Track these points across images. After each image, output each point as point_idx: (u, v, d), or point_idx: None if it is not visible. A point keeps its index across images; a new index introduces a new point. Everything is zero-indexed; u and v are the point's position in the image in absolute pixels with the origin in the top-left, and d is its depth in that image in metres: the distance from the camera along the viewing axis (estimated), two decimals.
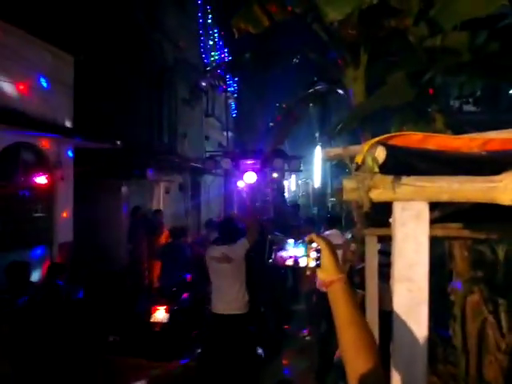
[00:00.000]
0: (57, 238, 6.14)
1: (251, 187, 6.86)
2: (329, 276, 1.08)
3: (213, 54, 14.00)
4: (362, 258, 3.79)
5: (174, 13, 10.50)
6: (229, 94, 15.79)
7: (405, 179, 1.24)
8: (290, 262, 1.14)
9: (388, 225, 2.83)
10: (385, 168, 1.25)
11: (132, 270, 7.43)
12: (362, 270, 3.26)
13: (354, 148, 1.41)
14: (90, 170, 6.81)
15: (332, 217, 5.17)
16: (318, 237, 1.13)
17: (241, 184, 7.96)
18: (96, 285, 5.83)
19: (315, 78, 6.69)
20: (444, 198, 1.25)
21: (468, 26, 3.31)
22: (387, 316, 1.36)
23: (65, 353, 4.22)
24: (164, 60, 9.72)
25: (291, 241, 1.16)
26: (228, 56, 15.23)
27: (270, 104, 14.77)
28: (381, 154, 1.16)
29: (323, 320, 4.51)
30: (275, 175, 9.78)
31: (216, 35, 14.40)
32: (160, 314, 4.67)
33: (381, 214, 2.33)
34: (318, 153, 13.96)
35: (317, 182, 14.49)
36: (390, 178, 1.24)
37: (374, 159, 1.16)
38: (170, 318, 4.64)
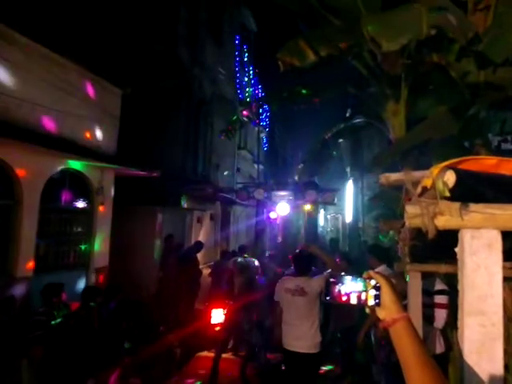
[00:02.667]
0: (94, 262, 6.28)
1: (284, 219, 6.81)
2: (390, 315, 1.02)
3: (247, 89, 14.51)
4: (403, 295, 3.60)
5: (213, 50, 11.07)
6: (261, 128, 16.16)
7: (473, 206, 1.19)
8: (353, 300, 1.04)
9: (432, 261, 2.70)
10: (451, 194, 1.21)
11: (158, 300, 7.40)
12: (404, 308, 3.09)
13: (417, 173, 1.38)
14: (127, 195, 7.03)
15: (380, 250, 4.83)
16: (376, 273, 1.08)
17: (273, 215, 7.94)
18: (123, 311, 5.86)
19: (348, 114, 6.74)
20: None
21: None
22: None
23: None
24: (202, 94, 10.16)
25: (348, 276, 1.09)
26: (261, 92, 15.72)
27: (302, 137, 14.96)
28: (451, 178, 1.13)
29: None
30: (308, 207, 9.68)
31: (251, 73, 14.98)
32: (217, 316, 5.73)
33: (427, 249, 2.23)
34: (350, 187, 13.82)
35: (348, 217, 14.23)
36: (457, 204, 1.20)
37: (445, 183, 1.12)
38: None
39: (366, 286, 1.06)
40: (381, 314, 1.04)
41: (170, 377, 5.31)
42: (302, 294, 3.98)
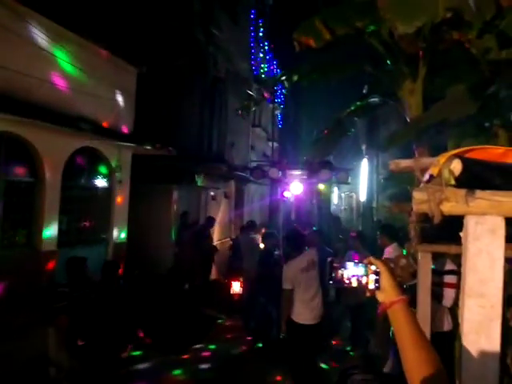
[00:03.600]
0: (113, 237, 6.50)
1: (298, 198, 6.88)
2: (388, 297, 1.08)
3: (262, 66, 14.29)
4: (413, 274, 3.65)
5: (228, 26, 10.89)
6: (276, 106, 15.99)
7: (479, 193, 1.23)
8: (354, 283, 1.13)
9: (443, 242, 2.74)
10: (458, 181, 1.25)
11: (174, 273, 7.66)
12: (413, 287, 3.15)
13: (425, 160, 1.42)
14: (144, 174, 7.18)
15: (392, 229, 4.88)
16: (376, 259, 1.14)
17: (287, 194, 7.99)
18: (143, 285, 6.13)
19: (365, 91, 6.61)
20: None
21: None
22: (438, 337, 1.32)
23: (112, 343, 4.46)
24: (217, 71, 10.08)
25: (350, 262, 1.16)
26: (277, 68, 15.46)
27: (317, 116, 14.76)
28: (457, 166, 1.16)
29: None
30: (322, 187, 9.69)
31: (266, 48, 14.70)
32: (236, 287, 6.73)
33: (438, 230, 2.27)
34: (365, 166, 13.69)
35: (362, 196, 14.16)
36: (463, 191, 1.24)
37: (451, 172, 1.16)
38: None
39: (366, 271, 1.13)
40: (380, 297, 1.11)
41: (192, 343, 5.57)
42: (314, 267, 4.22)
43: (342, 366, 4.80)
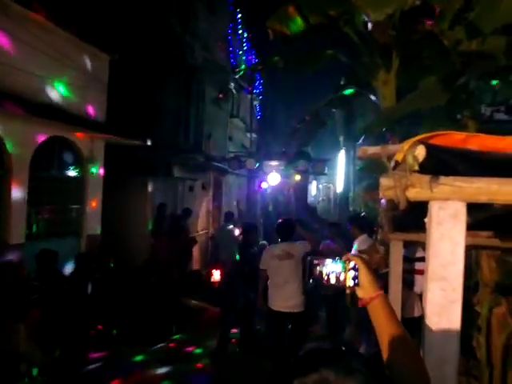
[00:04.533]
0: (86, 229, 6.35)
1: (275, 189, 6.90)
2: (367, 293, 1.10)
3: (240, 54, 14.15)
4: (386, 262, 3.74)
5: (205, 15, 10.69)
6: (254, 96, 15.90)
7: (443, 179, 1.25)
8: (333, 280, 1.13)
9: (414, 230, 2.81)
10: (423, 167, 1.26)
11: (151, 266, 7.58)
12: (386, 275, 3.23)
13: (392, 147, 1.43)
14: (118, 165, 7.01)
15: (362, 221, 4.99)
16: (354, 256, 1.15)
17: (264, 185, 7.99)
18: (119, 278, 6.04)
19: (342, 82, 6.66)
20: (482, 199, 1.25)
21: (506, 30, 3.25)
22: (409, 323, 1.35)
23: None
24: (193, 61, 9.90)
25: (329, 259, 1.15)
26: (255, 58, 15.34)
27: (295, 106, 14.79)
28: (421, 152, 1.18)
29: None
30: (298, 177, 9.78)
31: (244, 38, 14.55)
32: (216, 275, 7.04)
33: (408, 218, 2.32)
34: (342, 157, 13.86)
35: (339, 187, 14.37)
36: (427, 177, 1.26)
37: (415, 158, 1.17)
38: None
39: (344, 268, 1.13)
40: (360, 293, 1.12)
41: (165, 339, 5.54)
42: (289, 258, 4.31)
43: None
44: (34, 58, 5.17)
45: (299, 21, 3.02)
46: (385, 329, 1.06)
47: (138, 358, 5.05)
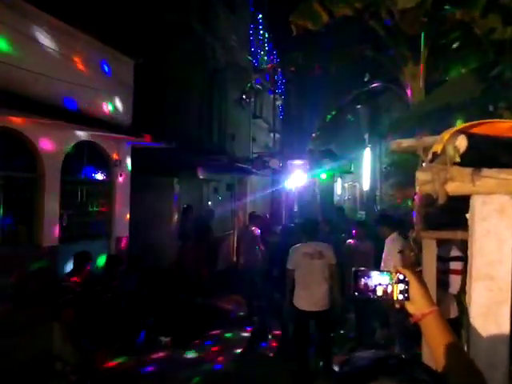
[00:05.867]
0: (115, 231, 6.48)
1: (300, 188, 6.82)
2: (420, 309, 1.02)
3: (262, 54, 14.12)
4: (418, 262, 3.60)
5: (226, 17, 10.73)
6: (277, 96, 15.83)
7: (486, 171, 1.17)
8: (379, 293, 1.04)
9: (448, 228, 2.69)
10: (464, 159, 1.18)
11: (179, 267, 7.66)
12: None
13: (428, 139, 1.35)
14: (144, 167, 7.13)
15: (390, 219, 4.85)
16: (405, 268, 1.05)
17: (289, 184, 7.92)
18: (146, 278, 6.13)
19: (366, 78, 6.50)
20: None
21: None
22: None
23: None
24: (215, 62, 9.96)
25: (375, 271, 1.06)
26: (277, 58, 15.28)
27: (318, 105, 14.61)
28: (463, 142, 1.10)
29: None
30: (323, 176, 9.60)
31: (266, 38, 14.52)
32: None
33: (442, 215, 2.21)
34: (368, 154, 13.56)
35: (365, 185, 14.06)
36: (468, 169, 1.18)
37: (456, 149, 1.10)
38: None
39: (392, 279, 1.05)
40: (410, 308, 1.04)
41: (199, 337, 5.57)
42: (321, 258, 4.28)
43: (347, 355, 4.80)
44: (61, 65, 5.34)
45: (323, 15, 2.96)
46: (440, 347, 0.99)
47: (172, 356, 5.09)
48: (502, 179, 1.17)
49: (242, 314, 6.74)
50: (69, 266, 5.02)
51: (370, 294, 1.06)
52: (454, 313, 3.56)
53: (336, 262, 4.36)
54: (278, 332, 5.67)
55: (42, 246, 5.13)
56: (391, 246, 4.42)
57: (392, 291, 1.04)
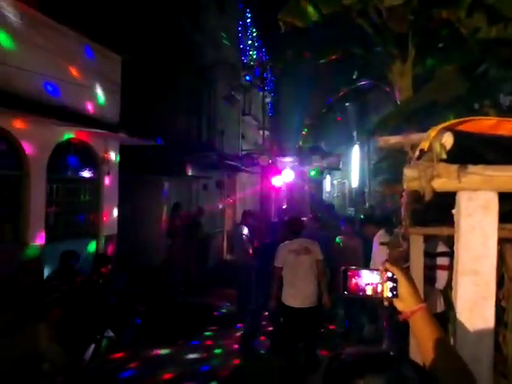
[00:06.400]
0: (102, 230, 6.41)
1: (289, 185, 6.85)
2: (408, 306, 1.03)
3: (251, 53, 14.09)
4: (406, 258, 3.65)
5: (215, 14, 10.67)
6: (266, 93, 15.82)
7: (472, 168, 1.19)
8: (369, 292, 1.05)
9: (435, 224, 2.73)
10: (450, 155, 1.20)
11: (168, 265, 7.62)
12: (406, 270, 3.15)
13: (415, 136, 1.37)
14: (133, 165, 7.06)
15: (375, 218, 4.96)
16: (392, 266, 1.06)
17: (278, 182, 7.94)
18: (135, 277, 6.09)
19: (355, 76, 6.54)
20: None
21: None
22: None
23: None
24: (204, 59, 9.90)
25: (365, 270, 1.07)
26: (265, 55, 15.26)
27: (307, 102, 14.66)
28: (449, 140, 1.12)
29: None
30: (312, 174, 9.65)
31: (255, 35, 14.48)
32: None
33: (429, 211, 2.24)
34: (356, 151, 13.67)
35: (354, 182, 14.18)
36: (455, 166, 1.19)
37: (442, 146, 1.11)
38: None
39: (381, 278, 1.06)
40: (399, 305, 1.05)
41: (183, 337, 5.55)
42: (307, 253, 4.34)
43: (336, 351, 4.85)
44: (47, 61, 5.24)
45: (311, 12, 2.96)
46: (429, 342, 1.00)
47: (159, 355, 5.07)
48: (487, 176, 1.19)
49: (231, 309, 6.74)
50: (56, 265, 4.95)
51: (360, 293, 1.07)
52: (440, 307, 3.62)
53: (323, 258, 4.42)
54: (270, 328, 5.69)
55: (29, 244, 5.05)
56: (379, 242, 4.47)
57: (382, 290, 1.05)
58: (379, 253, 4.46)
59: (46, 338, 4.50)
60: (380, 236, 4.52)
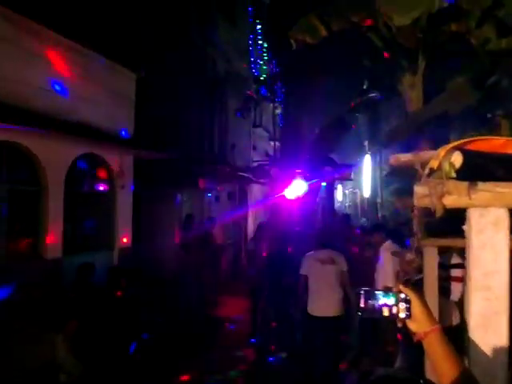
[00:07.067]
0: (117, 242, 6.52)
1: (301, 196, 6.86)
2: (422, 327, 1.03)
3: (261, 64, 14.25)
4: (419, 269, 3.63)
5: (226, 28, 10.87)
6: (276, 105, 15.95)
7: (482, 185, 1.21)
8: (386, 313, 1.05)
9: (449, 236, 2.72)
10: (459, 174, 1.23)
11: (181, 277, 7.63)
12: (419, 281, 3.13)
13: (426, 154, 1.40)
14: (147, 179, 7.18)
15: (385, 228, 4.99)
16: (406, 287, 1.07)
17: (290, 193, 7.95)
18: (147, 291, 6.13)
19: (365, 87, 6.59)
20: None
21: None
22: (448, 332, 1.29)
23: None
24: (216, 73, 10.07)
25: (380, 292, 1.08)
26: (276, 68, 15.42)
27: (318, 113, 14.73)
28: (458, 159, 1.15)
29: None
30: (324, 184, 9.65)
31: (265, 48, 14.67)
32: None
33: (443, 223, 2.25)
34: (368, 161, 13.63)
35: (366, 192, 14.11)
36: (465, 183, 1.22)
37: (451, 164, 1.14)
38: None
39: (397, 300, 1.06)
40: (412, 326, 1.05)
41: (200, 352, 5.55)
42: (332, 263, 4.40)
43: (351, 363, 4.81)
44: (63, 79, 5.42)
45: (322, 29, 3.03)
46: (443, 364, 1.00)
47: (172, 370, 5.07)
48: (497, 192, 1.21)
49: (245, 321, 6.71)
50: (72, 278, 5.04)
51: (376, 314, 1.08)
52: (456, 320, 3.57)
53: (348, 269, 4.46)
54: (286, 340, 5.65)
55: (46, 258, 5.16)
56: (385, 253, 4.52)
57: (397, 311, 1.06)
58: (385, 263, 4.53)
59: (63, 350, 4.56)
60: (387, 246, 4.57)
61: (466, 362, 1.21)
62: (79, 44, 5.59)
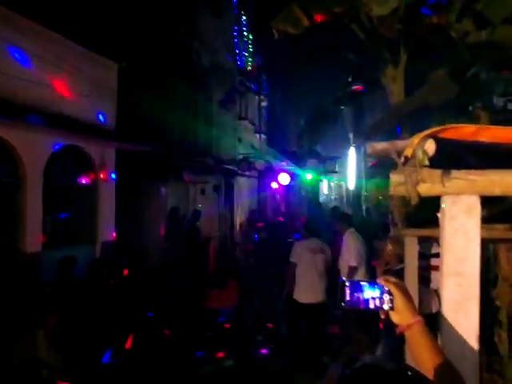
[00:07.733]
0: (100, 236, 6.43)
1: (286, 189, 6.93)
2: (404, 320, 1.04)
3: (247, 56, 14.16)
4: (399, 259, 3.70)
5: (210, 20, 10.73)
6: (262, 97, 15.90)
7: (455, 173, 1.23)
8: (371, 305, 1.05)
9: (429, 226, 2.77)
10: (433, 162, 1.24)
11: (165, 270, 7.61)
12: (400, 271, 3.19)
13: (401, 142, 1.41)
14: (129, 171, 7.09)
15: (348, 217, 5.53)
16: (387, 280, 1.07)
17: (275, 185, 7.98)
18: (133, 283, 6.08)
19: (350, 79, 6.61)
20: (496, 191, 1.22)
21: None
22: (427, 320, 1.32)
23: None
24: (200, 65, 9.96)
25: (365, 283, 1.07)
26: (261, 60, 15.35)
27: (303, 105, 14.75)
28: (431, 147, 1.16)
29: None
30: (309, 177, 9.71)
31: (250, 40, 14.57)
32: None
33: (423, 213, 2.29)
34: (352, 154, 13.76)
35: (351, 184, 14.26)
36: (438, 171, 1.24)
37: (424, 152, 1.16)
38: None
39: (381, 292, 1.07)
40: (395, 318, 1.06)
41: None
42: (322, 253, 4.65)
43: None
44: (44, 70, 5.28)
45: (304, 19, 3.02)
46: (424, 358, 1.02)
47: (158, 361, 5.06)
48: (469, 180, 1.23)
49: (232, 313, 6.73)
50: (53, 272, 4.96)
51: (362, 306, 1.08)
52: (435, 307, 3.66)
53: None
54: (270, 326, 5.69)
55: (25, 251, 5.06)
56: (349, 241, 4.82)
57: (381, 303, 1.06)
58: (348, 250, 4.82)
59: (44, 344, 4.51)
60: (350, 234, 4.84)
61: (440, 343, 1.24)
62: (58, 33, 5.43)
